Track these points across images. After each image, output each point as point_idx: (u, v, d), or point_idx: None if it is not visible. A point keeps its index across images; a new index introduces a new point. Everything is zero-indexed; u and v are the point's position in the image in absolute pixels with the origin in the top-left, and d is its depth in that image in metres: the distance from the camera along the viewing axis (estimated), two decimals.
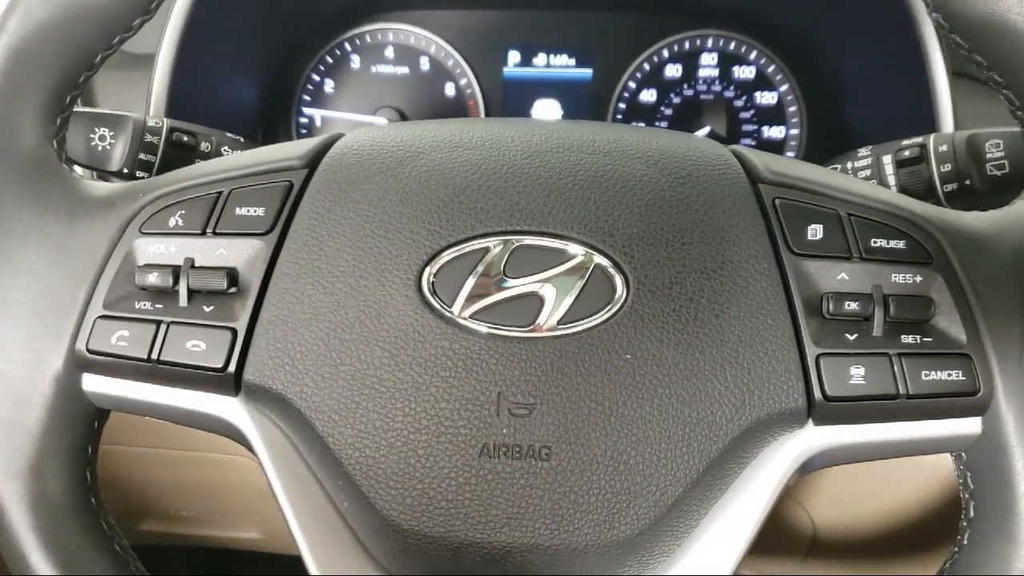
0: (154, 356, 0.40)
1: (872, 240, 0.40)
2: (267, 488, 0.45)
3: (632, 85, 0.81)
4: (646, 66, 0.83)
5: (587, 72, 0.84)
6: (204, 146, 0.60)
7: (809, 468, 0.39)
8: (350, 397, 0.38)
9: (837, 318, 0.38)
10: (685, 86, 0.82)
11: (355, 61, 0.85)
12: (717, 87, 0.82)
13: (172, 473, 0.80)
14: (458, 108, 0.84)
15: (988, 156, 0.51)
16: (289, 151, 0.42)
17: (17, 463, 0.40)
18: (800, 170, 0.42)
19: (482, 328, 0.37)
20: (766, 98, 0.81)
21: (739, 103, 0.81)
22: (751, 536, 0.38)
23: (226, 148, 0.60)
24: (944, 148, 0.52)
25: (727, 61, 0.82)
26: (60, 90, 0.41)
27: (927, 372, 0.38)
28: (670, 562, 0.38)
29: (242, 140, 0.60)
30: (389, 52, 0.84)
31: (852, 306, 0.38)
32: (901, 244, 0.40)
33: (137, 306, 0.40)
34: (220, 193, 0.41)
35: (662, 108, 0.82)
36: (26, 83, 0.40)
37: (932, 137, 0.54)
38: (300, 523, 0.39)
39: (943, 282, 0.39)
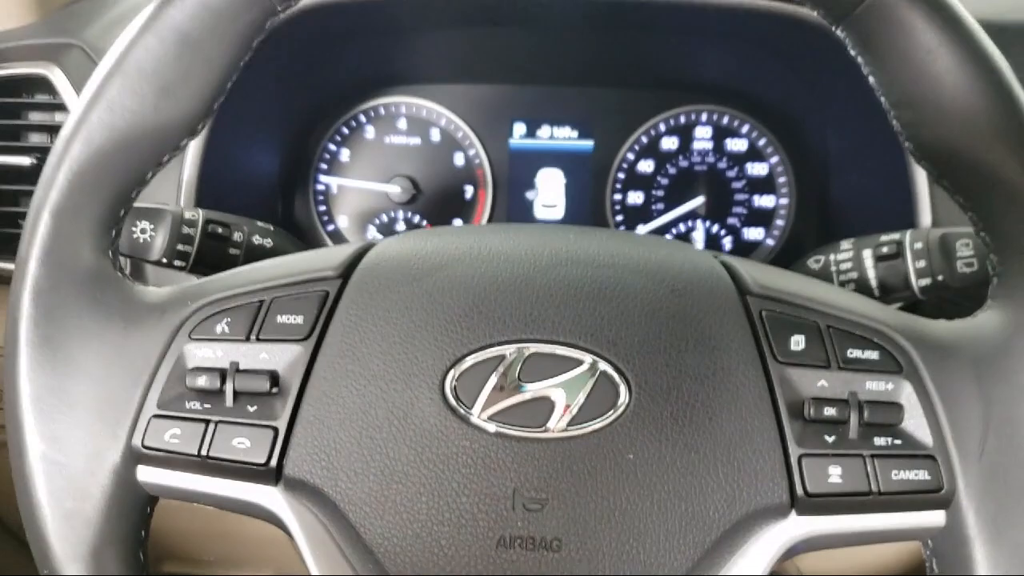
0: (203, 452, 0.43)
1: (848, 351, 0.43)
2: (282, 537, 0.48)
3: (631, 156, 0.85)
4: (644, 139, 0.86)
5: (588, 144, 0.87)
6: (236, 236, 0.63)
7: (793, 553, 0.42)
8: (380, 491, 0.41)
9: (817, 421, 0.41)
10: (681, 157, 0.85)
11: (369, 132, 0.88)
12: (711, 158, 0.85)
13: (196, 523, 0.83)
14: (467, 176, 0.87)
15: (959, 255, 0.55)
16: (325, 261, 0.46)
17: (79, 550, 0.44)
18: (784, 282, 0.46)
19: (499, 429, 0.41)
20: (757, 169, 0.84)
21: (731, 173, 0.84)
22: None
23: (256, 236, 0.63)
24: (919, 245, 0.56)
25: (720, 134, 0.85)
26: (115, 207, 0.44)
27: (896, 472, 0.41)
28: None
29: (271, 228, 0.63)
30: (402, 123, 0.87)
31: (830, 411, 0.42)
32: (875, 355, 0.43)
33: (187, 406, 0.43)
34: (262, 302, 0.44)
35: (659, 178, 0.85)
36: (85, 203, 0.44)
37: (908, 233, 0.58)
38: None
39: (912, 390, 0.42)
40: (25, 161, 0.78)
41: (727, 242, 0.85)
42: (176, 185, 0.73)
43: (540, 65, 0.85)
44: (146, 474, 0.44)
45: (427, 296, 0.44)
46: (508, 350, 0.43)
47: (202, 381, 0.44)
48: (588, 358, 0.42)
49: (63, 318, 0.44)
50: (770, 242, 0.84)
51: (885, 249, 0.57)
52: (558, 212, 0.88)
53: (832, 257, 0.59)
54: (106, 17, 0.86)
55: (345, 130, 0.88)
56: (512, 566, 0.41)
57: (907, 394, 0.43)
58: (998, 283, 0.44)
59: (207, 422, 0.44)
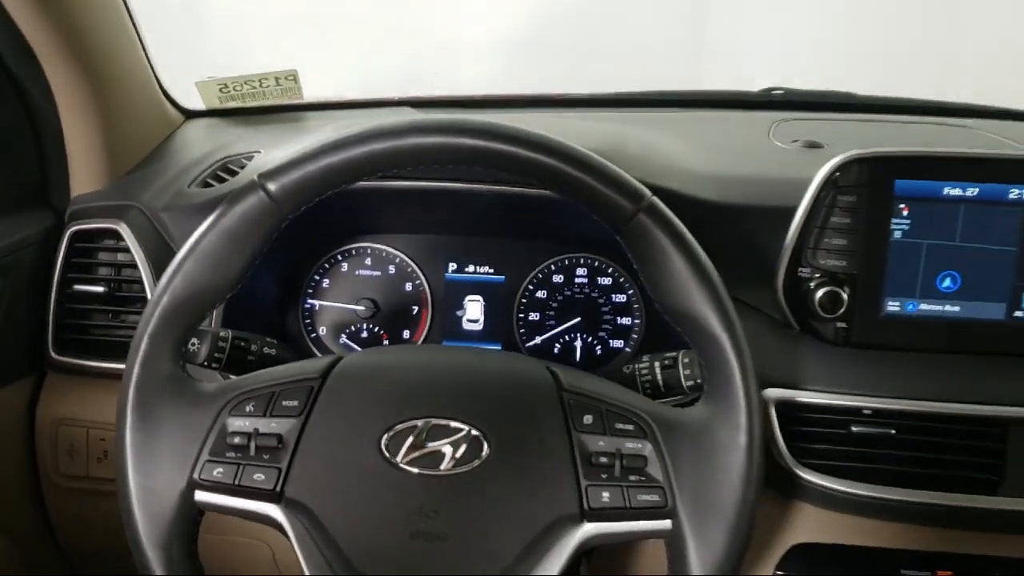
0: (236, 482, 0.62)
1: (616, 424, 0.64)
2: (273, 565, 0.69)
3: (531, 287, 1.03)
4: (539, 275, 1.02)
5: (501, 278, 1.04)
6: (254, 348, 0.80)
7: (585, 547, 0.61)
8: (343, 507, 0.62)
9: (597, 466, 0.62)
10: (566, 289, 1.02)
11: (344, 267, 1.05)
12: (587, 289, 1.02)
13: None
14: (414, 299, 1.03)
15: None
16: (311, 368, 0.67)
17: (157, 542, 0.61)
18: (587, 383, 0.67)
19: (414, 470, 0.62)
20: (619, 298, 1.01)
21: (601, 301, 1.02)
22: None
23: (266, 348, 0.81)
24: (687, 360, 0.75)
25: (593, 272, 1.02)
26: (187, 335, 0.65)
27: (640, 495, 0.61)
28: None
29: (275, 342, 0.82)
30: (368, 260, 1.04)
31: (604, 460, 0.62)
32: (631, 427, 0.63)
33: (227, 455, 0.62)
34: (273, 392, 0.65)
35: (550, 303, 1.02)
36: (169, 332, 0.63)
37: (682, 352, 0.76)
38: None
39: (652, 448, 0.62)
40: (98, 289, 0.93)
41: (598, 349, 1.01)
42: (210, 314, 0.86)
43: (467, 224, 1.02)
44: (200, 496, 0.62)
45: (373, 391, 0.66)
46: (419, 423, 0.64)
47: (236, 440, 0.63)
48: (465, 427, 0.63)
49: (152, 401, 0.63)
50: (628, 350, 1.01)
51: (667, 362, 0.76)
52: (479, 326, 1.03)
53: (637, 366, 0.78)
54: (156, 184, 0.99)
55: (327, 265, 1.04)
56: (419, 550, 0.61)
57: (649, 451, 0.62)
58: (705, 390, 0.66)
59: (239, 464, 0.62)
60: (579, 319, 1.03)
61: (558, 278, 1.04)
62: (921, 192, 0.81)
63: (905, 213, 0.81)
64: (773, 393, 0.81)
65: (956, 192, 0.80)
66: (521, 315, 1.04)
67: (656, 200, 0.63)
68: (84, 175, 1.00)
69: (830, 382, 0.82)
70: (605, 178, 0.62)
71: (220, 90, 1.29)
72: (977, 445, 0.80)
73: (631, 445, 0.64)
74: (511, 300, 1.04)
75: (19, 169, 0.97)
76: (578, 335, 1.03)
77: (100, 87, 0.96)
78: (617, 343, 1.03)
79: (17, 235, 0.92)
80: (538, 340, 1.04)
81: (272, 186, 0.63)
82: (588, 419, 0.65)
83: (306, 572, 0.62)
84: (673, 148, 1.01)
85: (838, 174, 0.81)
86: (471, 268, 1.06)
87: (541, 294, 1.04)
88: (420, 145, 0.63)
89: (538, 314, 1.04)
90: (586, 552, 0.64)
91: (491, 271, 1.05)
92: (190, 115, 1.26)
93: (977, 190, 0.80)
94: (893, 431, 0.79)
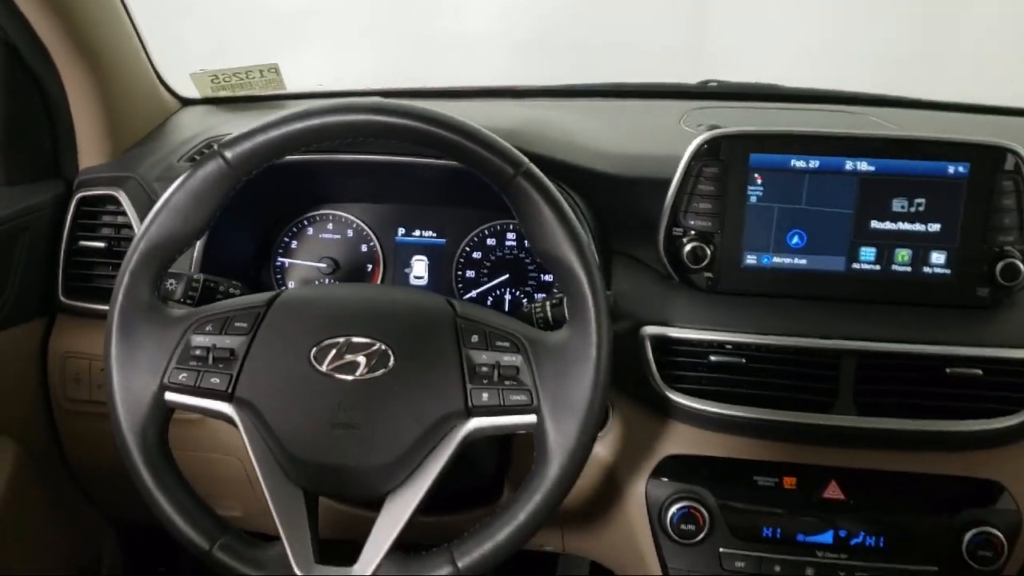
0: (196, 385, 0.74)
1: (496, 342, 0.76)
2: (246, 479, 0.85)
3: (467, 249, 1.14)
4: (475, 239, 1.14)
5: (442, 241, 1.16)
6: (221, 288, 0.89)
7: (471, 438, 0.74)
8: (280, 405, 0.75)
9: (479, 374, 0.74)
10: (497, 250, 1.13)
11: (309, 230, 1.17)
12: (515, 251, 1.13)
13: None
14: (369, 259, 1.16)
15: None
16: (259, 299, 0.79)
17: (135, 429, 0.75)
18: (476, 312, 0.79)
19: (335, 375, 0.74)
20: None
21: (527, 260, 1.12)
22: (437, 473, 0.74)
23: (232, 289, 0.90)
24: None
25: (521, 236, 1.11)
26: (160, 271, 0.77)
27: (512, 396, 0.74)
28: (402, 480, 0.75)
29: (239, 285, 0.91)
30: (330, 225, 1.17)
31: (486, 370, 0.74)
32: (507, 344, 0.75)
33: (190, 364, 0.75)
34: (228, 316, 0.77)
35: (484, 262, 1.14)
36: (145, 271, 0.76)
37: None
38: (257, 458, 0.75)
39: (523, 360, 0.75)
40: (100, 244, 1.07)
41: (524, 301, 1.12)
42: (190, 261, 1.02)
43: (415, 195, 1.14)
44: (169, 396, 0.75)
45: (306, 316, 0.80)
46: (340, 340, 0.76)
47: (198, 352, 0.75)
48: (376, 343, 0.76)
49: (132, 322, 0.76)
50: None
51: (555, 301, 0.86)
52: (424, 282, 1.15)
53: (533, 305, 0.88)
54: (151, 159, 1.13)
55: (295, 229, 1.17)
56: (338, 437, 0.74)
57: (520, 362, 0.75)
58: (567, 317, 0.78)
59: (199, 371, 0.75)
60: (508, 276, 1.15)
61: (491, 241, 1.16)
62: (772, 164, 0.96)
63: (759, 181, 0.96)
64: (650, 330, 0.97)
65: (801, 164, 0.95)
66: (459, 273, 1.17)
67: (532, 166, 0.77)
68: (90, 152, 1.15)
69: (697, 321, 0.97)
70: (492, 148, 0.75)
71: (211, 81, 1.45)
72: (815, 373, 0.95)
73: (507, 358, 0.77)
74: (451, 260, 1.17)
75: (36, 146, 1.12)
76: (507, 289, 1.16)
77: (103, 79, 1.10)
78: (540, 296, 1.14)
79: (33, 200, 1.07)
80: (473, 294, 1.16)
81: (228, 154, 0.76)
82: (475, 338, 0.77)
83: (251, 455, 0.78)
84: (589, 131, 1.17)
85: (705, 148, 0.96)
86: (417, 232, 1.18)
87: (476, 255, 1.17)
88: (344, 122, 0.78)
89: (473, 272, 1.17)
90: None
91: (434, 235, 1.18)
92: (187, 103, 1.41)
93: (818, 162, 0.95)
94: (744, 360, 0.95)
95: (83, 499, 1.24)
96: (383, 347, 0.78)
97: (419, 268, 1.19)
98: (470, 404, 0.76)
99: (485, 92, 1.47)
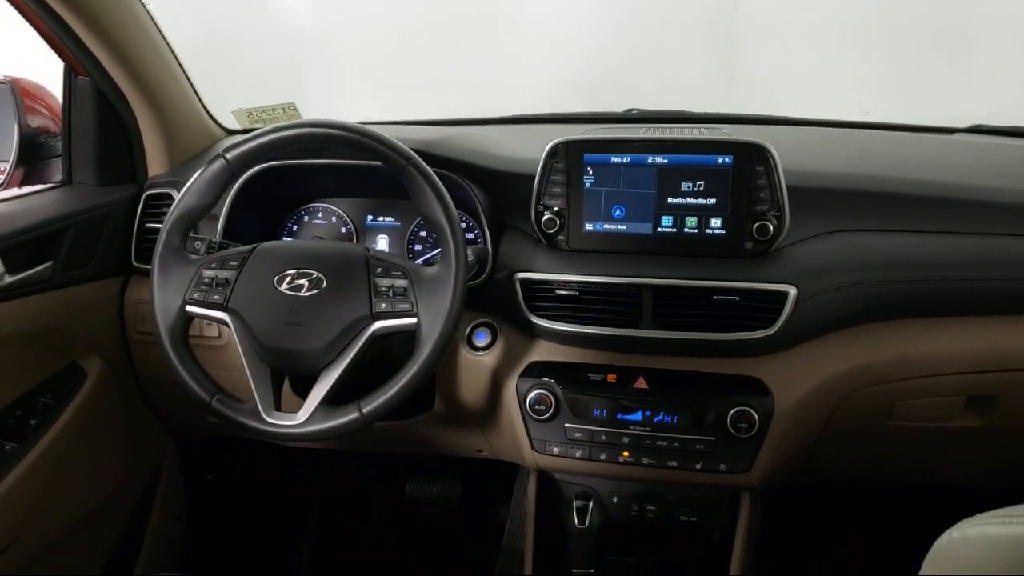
0: (205, 300, 1.11)
1: (392, 272, 1.11)
2: (243, 376, 1.27)
3: (416, 229, 1.46)
4: (420, 222, 1.45)
5: (398, 224, 1.47)
6: (230, 248, 1.18)
7: (376, 335, 1.13)
8: (256, 312, 1.15)
9: (381, 292, 1.10)
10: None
11: (305, 217, 1.50)
12: None
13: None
14: (347, 238, 1.53)
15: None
16: (246, 248, 1.16)
17: (168, 327, 1.11)
18: (381, 255, 1.22)
19: (289, 293, 1.16)
20: (469, 236, 1.51)
21: None
22: (352, 355, 1.12)
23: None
24: (472, 257, 1.33)
25: None
26: (187, 231, 1.16)
27: (400, 305, 1.09)
28: (330, 360, 1.15)
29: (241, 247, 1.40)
30: (320, 213, 1.50)
31: (384, 289, 1.09)
32: (399, 274, 1.10)
33: (201, 287, 1.11)
34: (226, 259, 1.13)
35: (428, 239, 1.44)
36: (176, 229, 1.13)
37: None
38: (241, 346, 1.18)
39: (409, 284, 1.10)
40: (160, 226, 1.48)
41: None
42: (216, 232, 1.36)
43: (380, 191, 1.44)
44: (188, 308, 1.11)
45: (273, 258, 1.23)
46: (293, 271, 1.16)
47: (207, 280, 1.11)
48: (315, 273, 1.13)
49: (167, 260, 1.14)
50: None
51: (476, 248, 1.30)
52: None
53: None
54: (195, 169, 1.50)
55: (295, 216, 1.50)
56: (289, 330, 1.11)
57: (408, 284, 1.10)
58: (439, 258, 1.22)
59: (207, 291, 1.11)
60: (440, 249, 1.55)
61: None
62: (599, 160, 1.33)
63: (591, 173, 1.34)
64: (520, 276, 1.35)
65: (618, 159, 1.33)
66: (410, 246, 1.50)
67: (418, 159, 1.17)
68: (154, 165, 1.53)
69: (552, 269, 1.34)
70: (388, 146, 1.14)
71: (248, 116, 1.89)
72: (627, 300, 1.30)
73: (399, 283, 1.11)
74: (403, 236, 1.50)
75: (118, 161, 1.49)
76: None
77: (162, 115, 1.52)
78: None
79: (116, 196, 1.45)
80: (419, 261, 1.51)
81: (229, 155, 1.18)
82: (379, 270, 1.12)
83: (238, 345, 1.18)
84: (502, 144, 1.55)
85: (559, 148, 1.34)
86: (381, 218, 1.52)
87: (422, 234, 1.50)
88: (297, 134, 1.20)
89: (420, 246, 1.51)
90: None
91: (392, 220, 1.51)
92: (231, 133, 1.85)
93: (629, 158, 1.32)
94: (578, 292, 1.31)
95: (151, 415, 1.66)
96: (319, 275, 1.17)
97: (382, 243, 1.52)
98: (374, 311, 1.11)
99: (470, 122, 1.86)
